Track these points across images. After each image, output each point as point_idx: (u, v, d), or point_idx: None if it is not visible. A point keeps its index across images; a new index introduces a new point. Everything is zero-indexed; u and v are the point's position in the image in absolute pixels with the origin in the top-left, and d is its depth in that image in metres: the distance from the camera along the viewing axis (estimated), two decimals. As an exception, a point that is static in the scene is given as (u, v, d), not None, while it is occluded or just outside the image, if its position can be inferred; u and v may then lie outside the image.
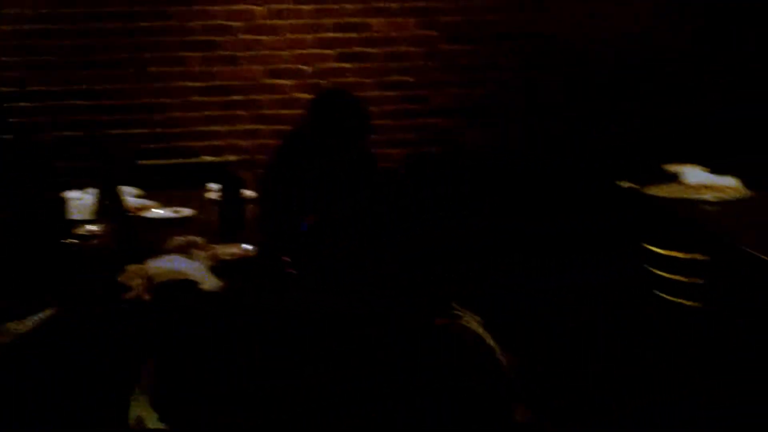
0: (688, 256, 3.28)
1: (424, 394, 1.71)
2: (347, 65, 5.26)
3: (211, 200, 4.08)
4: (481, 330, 1.86)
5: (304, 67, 5.21)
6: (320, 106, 3.44)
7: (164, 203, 3.97)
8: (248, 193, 3.72)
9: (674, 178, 4.16)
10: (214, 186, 4.23)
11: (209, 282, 2.63)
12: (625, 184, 3.96)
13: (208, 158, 5.04)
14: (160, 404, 1.85)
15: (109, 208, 3.32)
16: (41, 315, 2.49)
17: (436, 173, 5.11)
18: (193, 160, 5.00)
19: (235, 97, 5.20)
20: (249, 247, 3.19)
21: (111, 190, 3.44)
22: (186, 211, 3.82)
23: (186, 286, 2.13)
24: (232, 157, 5.06)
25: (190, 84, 5.14)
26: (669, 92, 5.33)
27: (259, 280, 2.94)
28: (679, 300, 3.26)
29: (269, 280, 2.91)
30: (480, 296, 2.26)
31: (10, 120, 4.93)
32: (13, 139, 4.02)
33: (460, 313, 1.93)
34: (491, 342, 1.82)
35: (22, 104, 5.00)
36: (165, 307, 2.07)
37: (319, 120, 3.38)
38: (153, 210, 3.84)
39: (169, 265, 2.80)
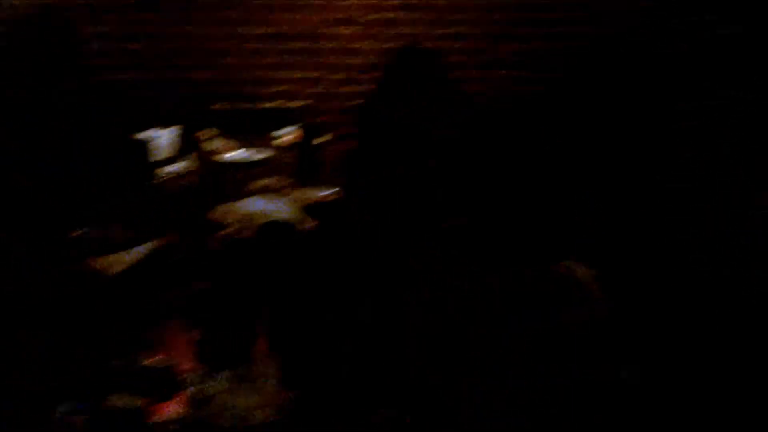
0: None
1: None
2: (408, 15, 5.30)
3: (283, 146, 4.18)
4: (587, 277, 1.94)
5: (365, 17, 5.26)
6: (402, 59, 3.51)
7: (238, 147, 4.07)
8: (320, 139, 3.83)
9: None
10: (285, 131, 4.33)
11: (302, 224, 2.74)
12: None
13: (280, 104, 5.12)
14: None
15: (191, 149, 3.45)
16: (147, 245, 2.63)
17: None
18: (265, 105, 5.08)
19: (300, 44, 5.26)
20: (328, 191, 3.29)
21: (192, 131, 3.56)
22: (263, 155, 3.92)
23: (285, 227, 2.22)
24: (301, 104, 5.13)
25: (257, 31, 5.21)
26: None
27: (344, 223, 3.05)
28: None
29: (352, 224, 3.02)
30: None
31: (86, 63, 5.02)
32: (90, 82, 4.10)
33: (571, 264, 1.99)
34: (594, 288, 1.90)
35: (96, 47, 5.08)
36: (267, 247, 2.16)
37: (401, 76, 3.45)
38: (230, 153, 3.94)
39: (258, 205, 2.92)
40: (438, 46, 5.24)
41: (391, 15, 5.32)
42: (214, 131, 4.22)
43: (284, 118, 4.57)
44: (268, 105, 5.15)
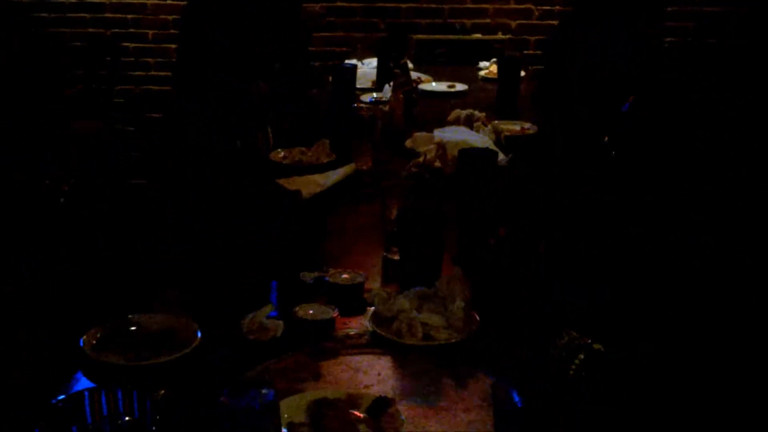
0: None
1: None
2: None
3: (483, 78, 4.15)
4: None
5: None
6: None
7: (435, 78, 4.08)
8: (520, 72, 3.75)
9: None
10: (484, 64, 4.29)
11: (499, 156, 2.71)
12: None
13: (481, 36, 5.07)
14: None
15: (390, 78, 3.47)
16: (343, 169, 2.71)
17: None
18: (465, 36, 5.06)
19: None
20: (526, 124, 3.24)
21: (396, 60, 3.58)
22: (461, 86, 3.91)
23: (486, 156, 2.20)
24: (503, 36, 5.07)
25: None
26: None
27: (536, 158, 2.99)
28: None
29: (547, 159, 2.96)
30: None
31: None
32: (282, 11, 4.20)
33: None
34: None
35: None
36: (467, 176, 2.15)
37: None
38: (430, 83, 3.96)
39: (457, 135, 2.92)
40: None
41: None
42: (411, 63, 4.26)
43: (485, 50, 4.52)
44: (469, 36, 5.11)
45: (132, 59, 5.37)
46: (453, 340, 1.74)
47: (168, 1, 5.28)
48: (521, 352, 1.65)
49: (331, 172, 2.73)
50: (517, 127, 3.19)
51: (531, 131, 3.17)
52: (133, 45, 5.36)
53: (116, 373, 1.59)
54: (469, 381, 1.61)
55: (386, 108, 3.14)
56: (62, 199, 2.93)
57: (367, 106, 3.28)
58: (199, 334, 1.68)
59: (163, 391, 1.25)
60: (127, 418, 1.21)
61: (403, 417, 1.46)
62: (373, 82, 3.88)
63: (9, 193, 2.74)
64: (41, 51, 4.35)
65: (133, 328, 1.72)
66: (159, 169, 2.71)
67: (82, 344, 1.65)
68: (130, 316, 1.74)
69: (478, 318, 1.79)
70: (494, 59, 4.18)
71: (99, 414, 1.23)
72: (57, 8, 5.31)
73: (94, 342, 1.67)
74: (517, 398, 1.33)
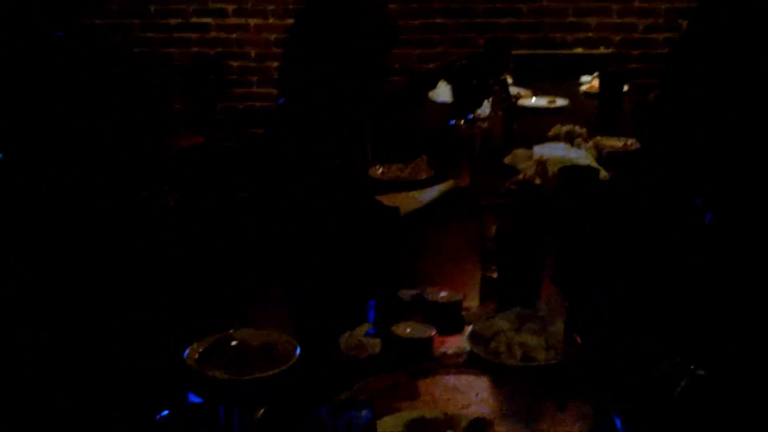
0: None
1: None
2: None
3: (584, 93, 4.08)
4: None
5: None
6: None
7: (535, 93, 4.04)
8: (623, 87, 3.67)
9: None
10: (586, 78, 4.22)
11: (601, 172, 2.65)
12: None
13: (583, 50, 5.00)
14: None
15: (489, 94, 3.45)
16: (440, 186, 2.70)
17: None
18: (566, 51, 4.99)
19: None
20: (629, 140, 3.17)
21: (496, 76, 3.55)
22: (561, 102, 3.86)
23: (587, 173, 2.16)
24: (605, 50, 4.98)
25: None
26: None
27: (640, 175, 2.92)
28: None
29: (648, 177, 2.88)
30: None
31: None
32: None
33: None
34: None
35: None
36: (567, 193, 2.11)
37: None
38: (530, 99, 3.92)
39: (557, 152, 2.88)
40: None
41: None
42: (510, 78, 4.22)
43: (586, 65, 4.45)
44: (570, 51, 5.05)
45: (235, 77, 5.50)
46: (553, 362, 1.71)
47: (270, 21, 5.40)
48: (622, 377, 1.61)
49: (428, 189, 2.72)
50: (620, 143, 3.12)
51: (634, 147, 3.10)
52: (237, 63, 5.50)
53: (218, 387, 1.62)
54: (570, 405, 1.58)
55: (485, 125, 3.12)
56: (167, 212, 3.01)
57: (465, 122, 3.26)
58: (298, 351, 1.70)
59: (263, 410, 1.27)
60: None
61: (501, 440, 1.44)
62: (474, 96, 3.85)
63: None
64: (149, 70, 4.50)
65: (234, 343, 1.75)
66: (259, 184, 2.76)
67: (185, 357, 1.69)
68: (231, 330, 1.77)
69: (579, 340, 1.76)
70: (596, 73, 4.10)
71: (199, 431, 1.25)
72: (164, 29, 5.50)
73: (197, 356, 1.71)
74: (619, 425, 1.29)
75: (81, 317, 1.82)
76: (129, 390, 1.52)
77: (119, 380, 1.57)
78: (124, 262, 2.21)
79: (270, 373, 1.63)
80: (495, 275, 2.04)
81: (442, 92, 3.69)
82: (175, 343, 1.69)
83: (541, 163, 2.71)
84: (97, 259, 2.20)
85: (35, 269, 2.10)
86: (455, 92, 3.48)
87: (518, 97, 3.87)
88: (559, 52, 4.95)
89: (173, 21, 5.49)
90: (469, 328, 1.83)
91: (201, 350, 1.73)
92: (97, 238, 2.32)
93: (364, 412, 1.24)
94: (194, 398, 1.49)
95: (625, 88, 3.72)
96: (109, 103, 2.62)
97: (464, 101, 3.35)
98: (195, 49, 5.51)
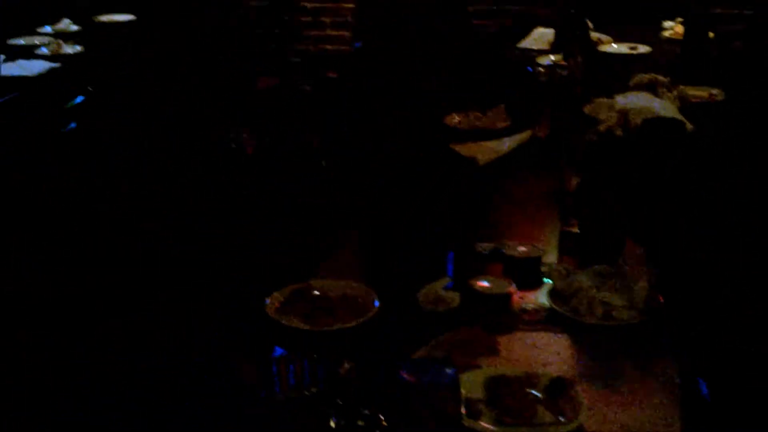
0: None
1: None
2: None
3: (666, 39, 3.95)
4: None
5: None
6: None
7: (616, 40, 3.91)
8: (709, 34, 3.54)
9: None
10: (669, 23, 4.08)
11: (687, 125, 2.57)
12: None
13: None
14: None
15: (571, 40, 3.36)
16: (516, 136, 2.66)
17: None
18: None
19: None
20: (715, 90, 3.06)
21: (578, 21, 3.46)
22: (643, 48, 3.74)
23: (673, 126, 2.10)
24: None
25: None
26: None
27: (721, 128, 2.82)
28: None
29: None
30: None
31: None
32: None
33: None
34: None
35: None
36: (653, 147, 2.06)
37: None
38: (610, 45, 3.81)
39: (640, 101, 2.79)
40: None
41: None
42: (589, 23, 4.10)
43: (669, 10, 4.29)
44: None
45: (309, 18, 5.46)
46: (635, 321, 1.68)
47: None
48: (710, 340, 1.58)
49: (506, 139, 2.68)
50: (705, 93, 3.01)
51: (719, 98, 2.99)
52: (311, 5, 5.45)
53: (298, 337, 1.64)
54: (652, 366, 1.55)
55: (564, 72, 3.04)
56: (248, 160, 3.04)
57: (544, 69, 3.19)
58: (377, 303, 1.71)
59: (347, 365, 1.28)
60: (313, 389, 1.24)
61: (583, 400, 1.42)
62: (550, 43, 3.76)
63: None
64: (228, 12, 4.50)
65: (314, 293, 1.76)
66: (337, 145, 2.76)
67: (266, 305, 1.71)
68: (311, 281, 1.79)
69: (662, 300, 1.72)
70: (680, 18, 3.96)
71: (286, 382, 1.27)
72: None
73: (277, 305, 1.73)
74: (705, 390, 1.27)
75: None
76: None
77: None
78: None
79: (349, 325, 1.64)
80: (575, 230, 2.00)
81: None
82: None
83: (623, 114, 2.63)
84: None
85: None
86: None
87: (598, 42, 3.76)
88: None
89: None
90: (548, 284, 1.81)
91: (282, 299, 1.75)
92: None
93: (448, 370, 1.23)
94: (279, 350, 1.50)
95: (711, 34, 3.58)
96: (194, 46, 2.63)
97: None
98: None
